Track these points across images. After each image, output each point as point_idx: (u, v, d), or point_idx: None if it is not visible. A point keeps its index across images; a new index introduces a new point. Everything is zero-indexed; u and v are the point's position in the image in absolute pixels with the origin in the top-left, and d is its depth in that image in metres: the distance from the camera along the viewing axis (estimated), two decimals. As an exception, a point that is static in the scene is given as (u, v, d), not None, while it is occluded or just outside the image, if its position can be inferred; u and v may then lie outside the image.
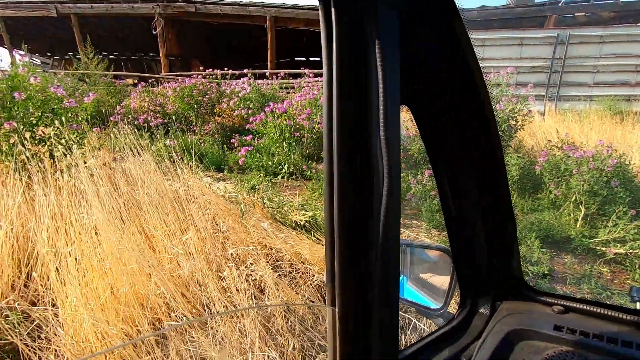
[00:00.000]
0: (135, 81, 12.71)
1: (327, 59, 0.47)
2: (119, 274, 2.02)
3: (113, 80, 10.23)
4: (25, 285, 2.36)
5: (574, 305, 0.82)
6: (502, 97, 5.31)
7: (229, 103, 7.70)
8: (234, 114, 7.48)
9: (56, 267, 1.99)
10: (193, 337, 1.88)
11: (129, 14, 13.74)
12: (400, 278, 1.15)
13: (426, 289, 1.09)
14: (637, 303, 0.94)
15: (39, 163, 2.86)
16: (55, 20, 14.41)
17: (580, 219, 3.99)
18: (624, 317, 0.75)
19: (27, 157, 2.77)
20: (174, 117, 8.42)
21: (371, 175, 0.50)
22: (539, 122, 7.29)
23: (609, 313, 0.77)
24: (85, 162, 2.81)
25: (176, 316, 1.96)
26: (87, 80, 10.00)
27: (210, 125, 7.78)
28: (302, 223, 2.94)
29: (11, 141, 3.16)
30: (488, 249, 0.85)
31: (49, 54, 19.91)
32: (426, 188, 4.40)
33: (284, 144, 5.39)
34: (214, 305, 2.05)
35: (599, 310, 0.78)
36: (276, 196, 3.78)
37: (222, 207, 2.91)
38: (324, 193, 0.51)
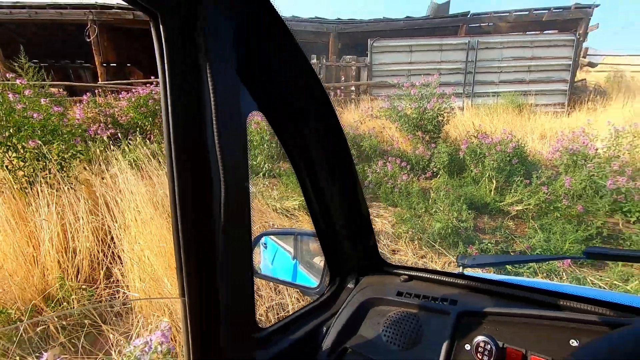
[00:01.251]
0: (61, 90, 12.09)
1: (161, 71, 0.47)
2: (170, 254, 2.61)
3: (52, 91, 9.82)
4: (75, 272, 2.81)
5: (416, 274, 0.94)
6: (432, 98, 6.52)
7: (187, 111, 8.01)
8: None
9: (119, 251, 2.52)
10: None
11: (57, 20, 13.00)
12: (293, 263, 1.33)
13: (314, 270, 1.22)
14: (461, 267, 1.06)
15: (61, 173, 3.24)
16: (-36, 25, 13.05)
17: (493, 189, 5.28)
18: (453, 280, 0.87)
19: (48, 168, 3.13)
20: (126, 128, 8.49)
21: (208, 175, 0.52)
22: (459, 116, 8.78)
23: (441, 278, 0.89)
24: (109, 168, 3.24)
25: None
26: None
27: (168, 134, 8.03)
28: (293, 208, 3.70)
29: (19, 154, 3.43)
30: (347, 233, 0.94)
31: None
32: (380, 176, 5.39)
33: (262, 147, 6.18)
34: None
35: (434, 277, 0.91)
36: (258, 191, 4.47)
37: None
38: (168, 187, 0.53)
